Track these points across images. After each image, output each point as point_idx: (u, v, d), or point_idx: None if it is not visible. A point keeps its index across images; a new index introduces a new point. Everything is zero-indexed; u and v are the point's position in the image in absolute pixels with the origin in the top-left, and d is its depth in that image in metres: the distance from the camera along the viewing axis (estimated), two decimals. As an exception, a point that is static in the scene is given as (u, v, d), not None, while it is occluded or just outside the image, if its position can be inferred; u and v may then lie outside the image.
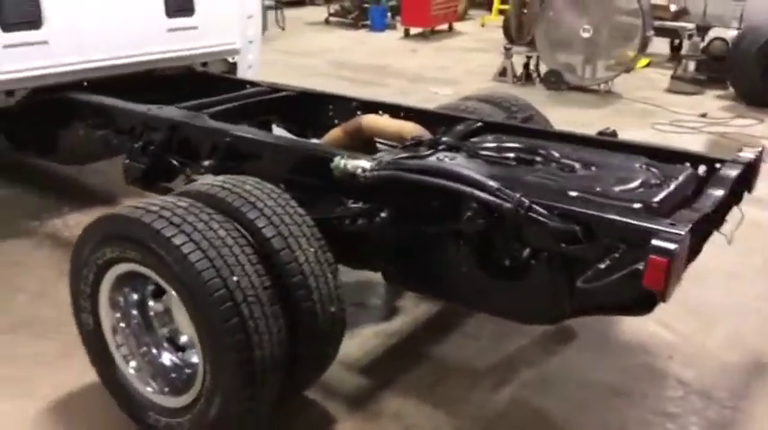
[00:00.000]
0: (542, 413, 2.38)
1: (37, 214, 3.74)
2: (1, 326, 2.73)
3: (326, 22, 11.65)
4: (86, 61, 3.25)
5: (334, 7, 11.98)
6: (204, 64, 3.94)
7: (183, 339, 2.18)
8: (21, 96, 3.13)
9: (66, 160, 3.61)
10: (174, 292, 1.94)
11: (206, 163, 2.68)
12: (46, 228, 3.61)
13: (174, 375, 2.18)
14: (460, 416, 2.34)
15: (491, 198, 1.93)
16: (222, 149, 2.67)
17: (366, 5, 11.47)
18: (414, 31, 10.68)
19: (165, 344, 2.22)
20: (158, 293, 2.17)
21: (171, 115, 2.86)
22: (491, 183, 1.96)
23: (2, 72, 2.96)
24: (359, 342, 2.67)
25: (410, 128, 2.77)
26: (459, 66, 8.60)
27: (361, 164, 2.20)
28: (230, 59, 4.04)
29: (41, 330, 2.72)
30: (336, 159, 2.24)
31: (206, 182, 2.21)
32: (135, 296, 2.21)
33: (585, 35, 7.03)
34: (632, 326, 2.83)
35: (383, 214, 2.27)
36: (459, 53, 9.53)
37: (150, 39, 3.51)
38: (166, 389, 2.13)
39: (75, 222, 3.66)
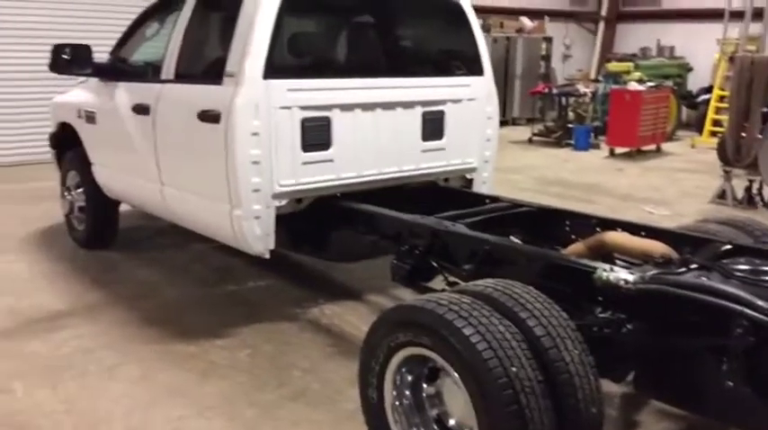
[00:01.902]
0: None
1: (298, 302, 4.35)
2: (286, 394, 3.22)
3: (529, 141, 12.15)
4: (359, 176, 3.86)
5: (538, 127, 12.50)
6: (446, 179, 4.43)
7: (452, 422, 2.45)
8: (306, 203, 3.78)
9: (335, 258, 4.21)
10: (456, 376, 2.25)
11: (466, 267, 3.06)
12: (307, 315, 4.18)
13: (439, 455, 2.45)
14: None
15: (762, 317, 2.04)
16: (480, 255, 3.03)
17: (570, 125, 11.84)
18: (619, 150, 10.77)
19: (434, 426, 2.51)
20: (431, 377, 2.49)
21: (433, 224, 3.30)
22: (761, 302, 2.07)
23: (299, 183, 3.63)
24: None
25: (657, 246, 2.94)
26: (671, 186, 8.50)
27: (624, 276, 2.41)
28: (468, 176, 4.51)
29: (315, 401, 3.16)
30: (599, 271, 2.47)
31: (479, 283, 2.54)
32: (410, 378, 2.54)
33: (817, 159, 6.70)
34: None
35: (633, 325, 2.45)
36: (669, 173, 9.42)
37: (408, 158, 4.08)
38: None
39: (330, 312, 4.22)
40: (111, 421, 2.98)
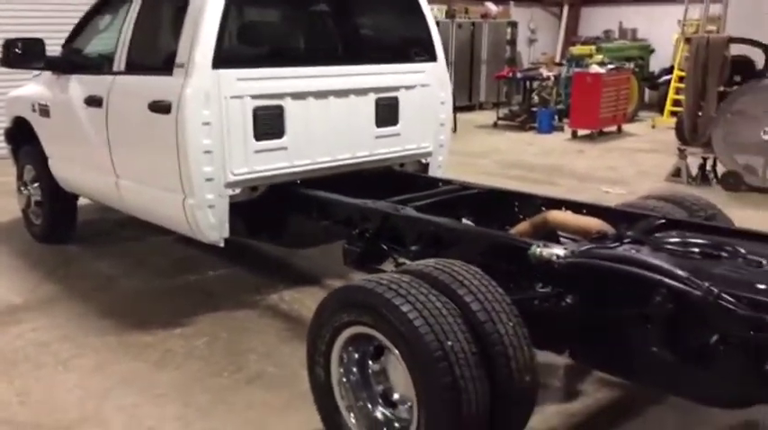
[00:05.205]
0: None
1: (257, 289, 4.41)
2: (241, 379, 3.29)
3: (495, 125, 12.26)
4: (313, 163, 3.91)
5: (503, 111, 12.63)
6: (402, 164, 4.50)
7: (396, 396, 2.53)
8: (261, 191, 3.83)
9: (291, 244, 4.27)
10: (397, 352, 2.33)
11: (413, 248, 3.15)
12: (266, 301, 4.24)
13: (385, 429, 2.54)
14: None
15: (680, 286, 2.15)
16: (426, 237, 3.12)
17: (534, 109, 11.98)
18: (581, 132, 10.95)
19: (379, 400, 2.60)
20: (377, 355, 2.58)
21: (383, 208, 3.37)
22: (680, 272, 2.19)
23: (253, 172, 3.67)
24: (542, 418, 2.87)
25: (594, 223, 3.05)
26: (629, 166, 8.69)
27: (556, 251, 2.51)
28: (423, 160, 4.59)
29: (270, 384, 3.23)
30: (533, 247, 2.57)
31: (420, 263, 2.63)
32: (356, 355, 2.62)
33: (767, 137, 6.91)
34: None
35: (570, 298, 2.56)
36: (628, 154, 9.62)
37: (362, 144, 4.14)
38: (380, 440, 2.49)
39: (289, 297, 4.28)
40: (66, 410, 3.02)
